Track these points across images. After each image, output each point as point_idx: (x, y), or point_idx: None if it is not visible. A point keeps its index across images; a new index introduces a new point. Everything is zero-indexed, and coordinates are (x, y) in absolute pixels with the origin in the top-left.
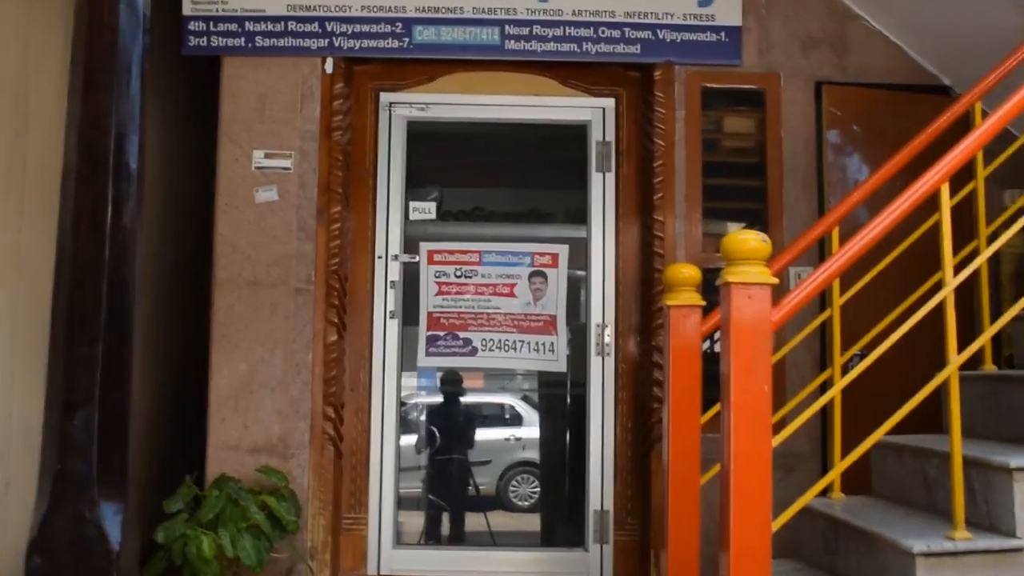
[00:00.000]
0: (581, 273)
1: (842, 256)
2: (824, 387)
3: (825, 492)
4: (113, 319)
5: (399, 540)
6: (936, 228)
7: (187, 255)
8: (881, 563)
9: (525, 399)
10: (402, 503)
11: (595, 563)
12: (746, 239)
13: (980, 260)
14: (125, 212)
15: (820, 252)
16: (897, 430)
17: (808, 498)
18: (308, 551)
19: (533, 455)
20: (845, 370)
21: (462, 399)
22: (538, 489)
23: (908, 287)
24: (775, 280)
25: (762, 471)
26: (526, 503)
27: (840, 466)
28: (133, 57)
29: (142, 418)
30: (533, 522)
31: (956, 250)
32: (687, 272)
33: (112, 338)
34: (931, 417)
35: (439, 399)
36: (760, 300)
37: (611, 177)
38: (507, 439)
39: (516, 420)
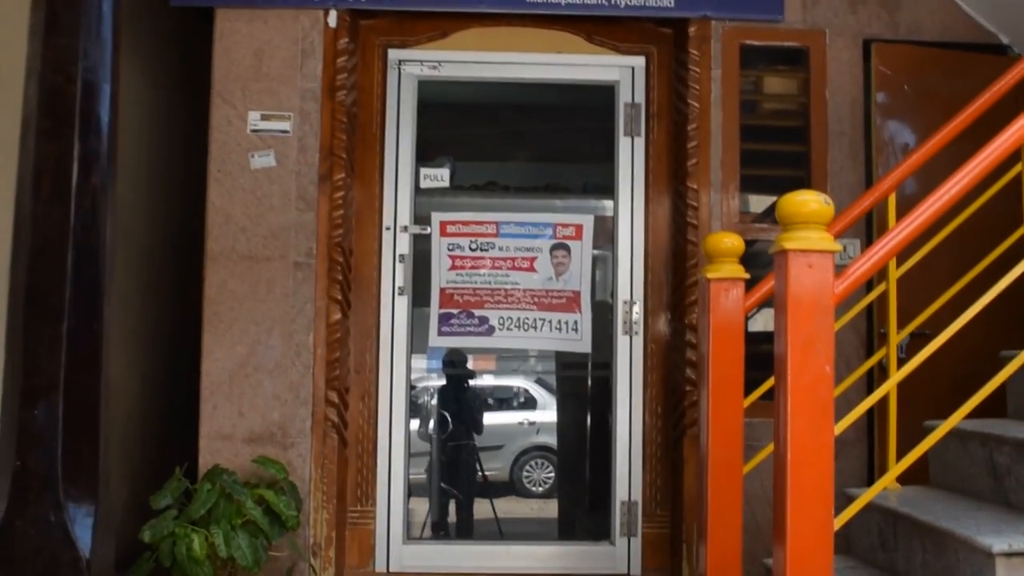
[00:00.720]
0: (601, 251)
1: (919, 216)
2: (872, 369)
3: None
4: (80, 293)
5: (409, 534)
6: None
7: (180, 228)
8: (951, 563)
9: (539, 382)
10: (412, 491)
11: (622, 557)
12: (806, 200)
13: None
14: (95, 170)
15: (867, 223)
16: (946, 415)
17: (874, 493)
18: (310, 548)
19: (547, 440)
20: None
21: (472, 381)
22: (552, 474)
23: (957, 261)
24: (839, 247)
25: (823, 461)
26: (540, 489)
27: (905, 461)
28: None
29: (129, 406)
30: (547, 508)
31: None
32: (729, 242)
33: (80, 315)
34: (989, 400)
35: (449, 382)
36: (822, 269)
37: (640, 142)
38: (520, 423)
39: (530, 403)
